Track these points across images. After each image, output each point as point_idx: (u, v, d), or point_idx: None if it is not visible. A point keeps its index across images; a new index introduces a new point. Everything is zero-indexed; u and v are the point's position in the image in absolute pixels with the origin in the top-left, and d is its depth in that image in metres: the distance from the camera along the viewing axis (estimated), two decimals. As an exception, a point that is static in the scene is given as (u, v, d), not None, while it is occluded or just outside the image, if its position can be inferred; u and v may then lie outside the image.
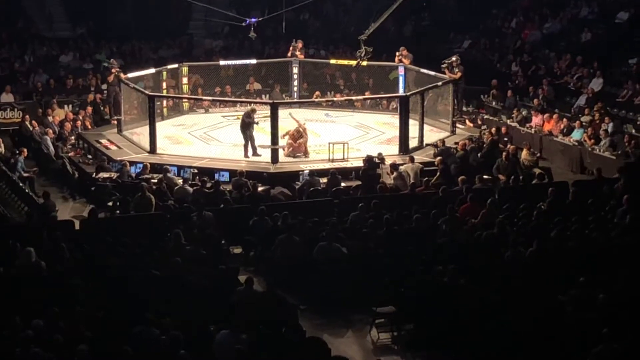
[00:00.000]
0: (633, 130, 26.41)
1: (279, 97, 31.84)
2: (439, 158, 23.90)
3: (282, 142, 25.45)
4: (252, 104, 27.30)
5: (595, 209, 19.27)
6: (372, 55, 28.81)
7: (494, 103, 31.71)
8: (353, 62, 30.12)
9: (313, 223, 18.96)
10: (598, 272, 15.55)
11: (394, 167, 23.17)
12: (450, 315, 15.04)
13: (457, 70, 28.77)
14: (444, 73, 28.73)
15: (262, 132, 26.03)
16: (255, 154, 25.52)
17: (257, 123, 25.74)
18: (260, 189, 22.19)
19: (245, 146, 25.57)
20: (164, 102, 30.23)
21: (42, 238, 17.39)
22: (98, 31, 39.53)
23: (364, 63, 29.26)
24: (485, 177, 22.63)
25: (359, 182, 23.09)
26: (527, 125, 28.75)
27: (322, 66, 34.18)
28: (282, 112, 26.18)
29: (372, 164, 23.14)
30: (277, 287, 16.18)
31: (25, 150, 25.83)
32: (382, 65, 31.74)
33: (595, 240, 17.34)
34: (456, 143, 25.77)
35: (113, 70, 29.15)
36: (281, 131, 25.62)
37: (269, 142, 25.17)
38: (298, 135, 25.61)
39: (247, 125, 25.57)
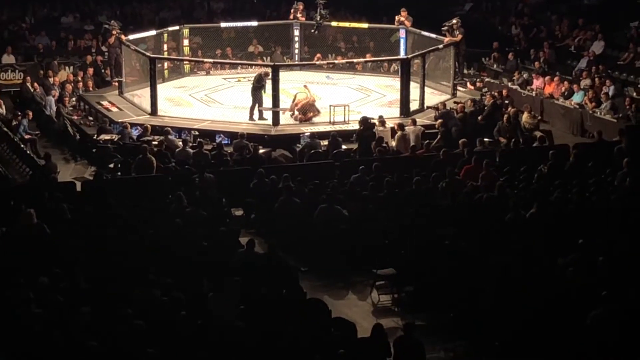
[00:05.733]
0: (634, 93, 26.43)
1: (280, 60, 31.74)
2: (439, 121, 23.89)
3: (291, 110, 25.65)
4: (265, 68, 27.14)
5: (595, 171, 19.29)
6: (373, 18, 28.74)
7: (495, 66, 31.68)
8: (348, 25, 30.25)
9: (314, 185, 18.97)
10: (598, 235, 15.59)
11: (400, 127, 23.14)
12: (450, 277, 15.11)
13: (458, 32, 28.66)
14: (445, 36, 28.63)
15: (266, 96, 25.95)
16: (261, 117, 25.48)
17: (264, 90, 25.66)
18: (261, 151, 22.19)
19: (252, 108, 25.51)
20: (165, 64, 30.14)
21: (44, 199, 17.43)
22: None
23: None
24: (486, 139, 22.65)
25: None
26: (528, 88, 28.72)
27: (324, 28, 33.99)
28: (285, 75, 26.11)
29: (367, 125, 23.08)
30: (279, 249, 16.21)
31: (31, 113, 25.84)
32: (383, 28, 31.69)
33: (595, 203, 17.38)
34: (456, 103, 25.76)
35: (114, 32, 29.04)
36: (289, 97, 25.67)
37: (270, 105, 25.17)
38: (309, 107, 25.57)
39: (257, 89, 25.51)
